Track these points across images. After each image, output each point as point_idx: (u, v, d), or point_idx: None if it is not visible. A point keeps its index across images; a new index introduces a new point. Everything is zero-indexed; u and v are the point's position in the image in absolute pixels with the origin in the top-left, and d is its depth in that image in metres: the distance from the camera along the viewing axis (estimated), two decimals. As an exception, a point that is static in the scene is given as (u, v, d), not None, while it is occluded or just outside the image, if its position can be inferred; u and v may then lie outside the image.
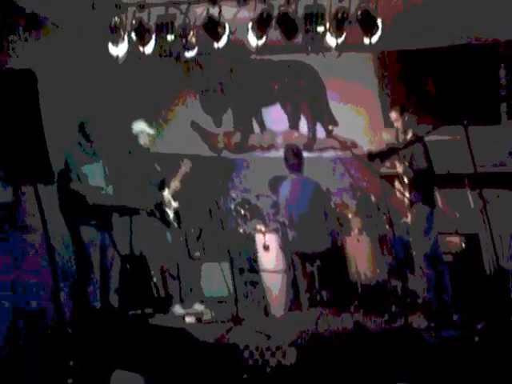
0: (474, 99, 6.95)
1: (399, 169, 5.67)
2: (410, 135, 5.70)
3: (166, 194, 6.28)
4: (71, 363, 4.37)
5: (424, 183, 5.60)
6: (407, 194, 5.66)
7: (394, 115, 5.80)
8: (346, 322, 5.58)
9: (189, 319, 5.94)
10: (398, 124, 5.76)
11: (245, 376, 4.72)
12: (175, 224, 6.26)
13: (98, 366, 4.56)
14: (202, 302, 6.30)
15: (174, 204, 6.33)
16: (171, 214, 6.26)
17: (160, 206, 6.17)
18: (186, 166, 6.36)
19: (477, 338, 4.71)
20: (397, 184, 5.79)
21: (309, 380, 4.49)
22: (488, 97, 7.08)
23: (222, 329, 5.35)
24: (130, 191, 5.91)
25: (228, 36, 5.76)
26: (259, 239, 6.20)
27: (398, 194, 5.78)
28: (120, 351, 4.69)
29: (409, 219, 5.80)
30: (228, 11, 5.76)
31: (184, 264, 6.26)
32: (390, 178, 5.88)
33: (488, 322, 4.99)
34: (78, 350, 4.65)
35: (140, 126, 6.24)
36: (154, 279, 6.27)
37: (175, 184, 6.33)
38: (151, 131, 6.27)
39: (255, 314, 6.04)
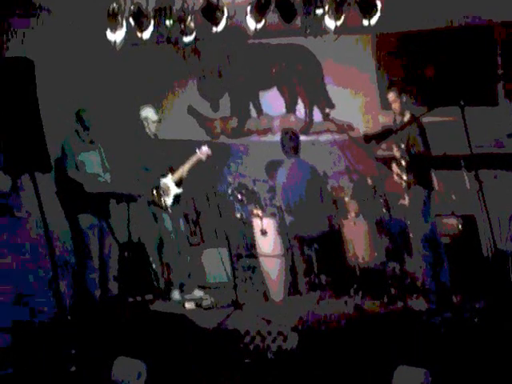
0: (470, 80, 6.91)
1: (396, 151, 5.66)
2: (407, 117, 5.67)
3: (168, 179, 6.24)
4: (73, 351, 4.38)
5: (421, 165, 5.58)
6: (404, 177, 5.63)
7: (391, 96, 5.72)
8: (346, 305, 5.62)
9: (188, 305, 5.95)
10: (396, 105, 5.70)
11: (246, 361, 4.74)
12: (170, 210, 6.19)
13: (99, 353, 4.56)
14: (201, 287, 6.31)
15: (177, 190, 6.26)
16: (169, 200, 6.20)
17: (158, 190, 6.13)
18: (203, 154, 6.22)
19: (476, 320, 4.74)
20: (394, 166, 5.76)
21: (310, 364, 4.51)
22: (485, 78, 7.05)
23: (223, 314, 5.35)
24: (129, 178, 5.88)
25: (226, 20, 5.71)
26: (256, 224, 6.17)
27: (395, 176, 5.76)
28: (121, 338, 4.70)
29: (406, 201, 5.79)
30: (226, -5, 5.70)
31: (184, 250, 6.25)
32: (387, 161, 5.85)
33: (487, 303, 5.03)
34: (79, 337, 4.65)
35: (145, 113, 6.20)
36: (153, 266, 6.27)
37: (183, 170, 6.26)
38: (155, 118, 6.21)
39: (255, 299, 6.05)
